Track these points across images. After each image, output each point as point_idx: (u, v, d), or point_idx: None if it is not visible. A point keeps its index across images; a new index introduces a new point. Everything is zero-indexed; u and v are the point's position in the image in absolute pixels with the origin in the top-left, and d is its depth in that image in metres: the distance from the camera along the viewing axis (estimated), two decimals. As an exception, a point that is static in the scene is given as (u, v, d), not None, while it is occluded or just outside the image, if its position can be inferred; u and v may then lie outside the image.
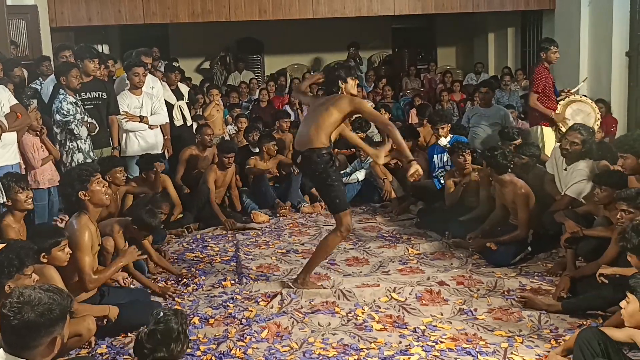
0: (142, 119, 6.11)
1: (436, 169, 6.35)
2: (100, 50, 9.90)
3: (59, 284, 3.32)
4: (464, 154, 5.56)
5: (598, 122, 5.97)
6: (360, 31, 12.04)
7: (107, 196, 3.90)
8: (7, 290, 2.90)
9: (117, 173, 5.28)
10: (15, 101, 4.81)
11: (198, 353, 3.54)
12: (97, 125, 5.54)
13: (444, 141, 6.22)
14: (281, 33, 11.82)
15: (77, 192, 3.75)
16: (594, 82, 8.47)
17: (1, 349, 2.17)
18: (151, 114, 6.20)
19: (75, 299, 3.59)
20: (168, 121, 6.59)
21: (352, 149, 7.43)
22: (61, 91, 5.33)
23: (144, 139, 6.15)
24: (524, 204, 4.83)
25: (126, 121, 6.04)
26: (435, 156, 6.42)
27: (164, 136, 6.45)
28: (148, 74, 6.38)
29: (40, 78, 6.28)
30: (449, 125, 6.52)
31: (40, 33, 7.97)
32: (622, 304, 2.91)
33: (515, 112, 8.14)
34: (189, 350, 3.53)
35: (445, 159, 6.28)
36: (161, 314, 2.72)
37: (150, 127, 6.18)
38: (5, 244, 3.12)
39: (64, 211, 5.35)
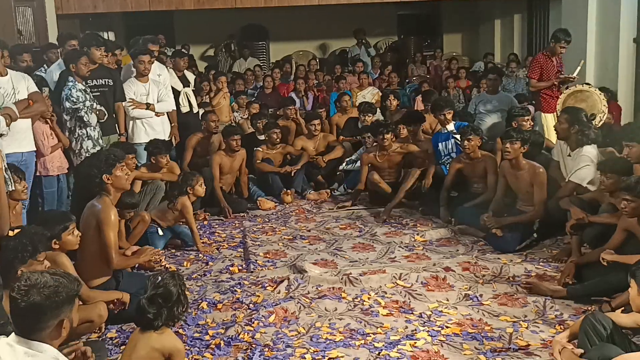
0: (148, 106, 6.13)
1: (442, 157, 6.33)
2: (106, 37, 9.90)
3: (71, 270, 3.37)
4: (470, 137, 5.53)
5: (602, 114, 5.88)
6: (365, 18, 11.99)
7: (127, 182, 3.99)
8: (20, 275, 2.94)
9: (128, 159, 5.32)
10: (34, 89, 4.82)
11: (207, 337, 3.59)
12: (106, 112, 5.58)
13: (451, 126, 6.20)
14: (286, 20, 11.80)
15: (102, 174, 3.80)
16: (600, 69, 8.43)
17: (13, 333, 2.22)
18: (158, 102, 6.23)
19: (90, 283, 3.66)
20: (175, 108, 6.61)
21: (357, 137, 7.44)
22: (70, 78, 5.34)
23: (151, 127, 6.17)
24: (543, 184, 4.85)
25: (133, 108, 6.07)
26: (440, 144, 6.37)
27: (170, 123, 6.48)
28: (155, 61, 6.40)
29: (45, 65, 6.29)
30: (452, 111, 6.48)
31: (46, 20, 7.99)
32: (630, 290, 2.93)
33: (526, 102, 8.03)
34: (197, 335, 3.60)
35: (450, 146, 6.25)
36: (159, 278, 2.77)
37: (157, 114, 6.21)
38: (19, 230, 3.16)
39: (72, 196, 5.42)
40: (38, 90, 4.90)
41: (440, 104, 6.38)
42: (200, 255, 5.04)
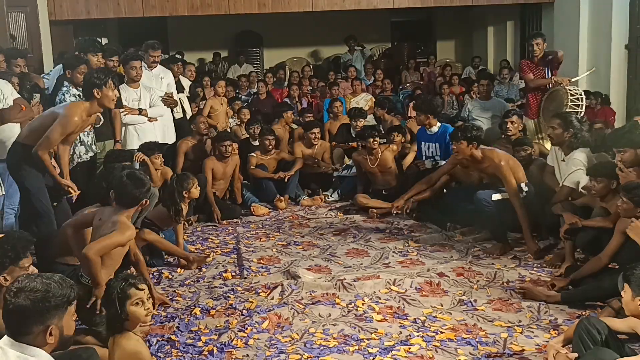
0: (141, 111, 6.11)
1: (423, 157, 6.27)
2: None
3: None
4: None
5: (566, 106, 5.82)
6: (359, 24, 12.03)
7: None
8: (2, 282, 2.90)
9: (154, 158, 5.65)
10: (17, 95, 4.85)
11: (199, 344, 3.56)
12: (101, 117, 5.57)
13: (435, 129, 6.14)
14: (280, 26, 11.82)
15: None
16: (593, 75, 8.48)
17: (5, 336, 2.21)
18: (150, 107, 6.21)
19: None
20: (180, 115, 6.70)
21: (351, 143, 7.44)
22: (65, 83, 5.35)
23: (143, 132, 6.14)
24: (506, 176, 4.82)
25: (125, 114, 6.05)
26: (423, 144, 6.31)
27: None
28: (159, 66, 6.43)
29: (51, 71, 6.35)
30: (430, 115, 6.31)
31: (39, 26, 7.97)
32: (623, 292, 2.93)
33: (514, 105, 8.12)
34: (190, 341, 3.56)
35: (432, 149, 6.20)
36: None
37: (150, 119, 6.19)
38: (2, 235, 3.11)
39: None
40: (21, 97, 4.92)
41: (420, 107, 6.32)
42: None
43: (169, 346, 3.54)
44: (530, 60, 6.56)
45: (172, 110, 6.83)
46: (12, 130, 4.72)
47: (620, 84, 8.31)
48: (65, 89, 5.31)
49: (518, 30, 11.67)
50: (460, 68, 12.56)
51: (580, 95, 5.93)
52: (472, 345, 3.43)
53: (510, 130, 6.17)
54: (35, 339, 2.16)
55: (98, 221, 3.61)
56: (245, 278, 4.58)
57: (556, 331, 3.54)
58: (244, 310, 3.97)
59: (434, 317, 3.81)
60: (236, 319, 3.86)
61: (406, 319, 3.81)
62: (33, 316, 2.15)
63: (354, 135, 7.49)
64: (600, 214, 4.31)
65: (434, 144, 6.14)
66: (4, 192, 4.21)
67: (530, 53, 6.62)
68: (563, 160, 4.99)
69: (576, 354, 2.92)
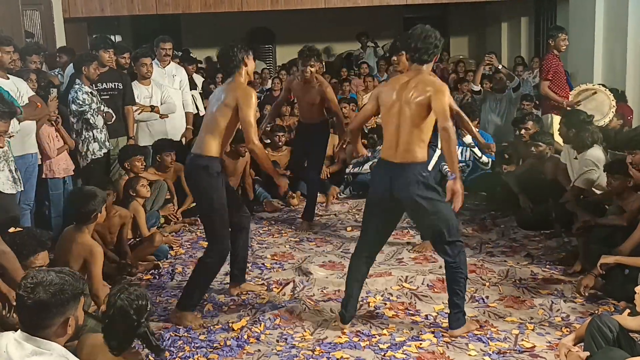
0: (153, 108, 6.15)
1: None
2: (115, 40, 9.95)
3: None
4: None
5: (613, 110, 5.88)
6: (371, 21, 11.99)
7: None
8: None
9: (136, 161, 5.44)
10: (32, 93, 4.90)
11: (212, 338, 3.59)
12: (114, 114, 5.62)
13: (468, 139, 5.88)
14: (293, 23, 11.81)
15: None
16: (608, 71, 8.40)
17: (19, 330, 2.24)
18: (161, 104, 6.24)
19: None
20: (194, 111, 6.66)
21: (364, 141, 7.43)
22: (77, 81, 5.39)
23: (155, 129, 6.18)
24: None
25: (139, 113, 6.09)
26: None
27: (186, 125, 6.49)
28: (172, 62, 6.46)
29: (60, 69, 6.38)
30: (477, 120, 6.32)
31: (54, 24, 8.04)
32: (637, 288, 2.91)
33: (531, 105, 7.92)
34: (202, 337, 3.59)
35: (468, 154, 6.14)
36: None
37: (162, 116, 6.22)
38: (20, 229, 3.17)
39: None
40: (36, 94, 4.97)
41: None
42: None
43: (181, 341, 3.57)
44: (557, 56, 6.44)
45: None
46: (29, 128, 4.77)
47: (637, 80, 8.19)
48: (77, 86, 5.36)
49: (532, 26, 11.57)
50: (473, 64, 12.47)
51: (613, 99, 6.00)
52: (483, 342, 3.43)
53: (525, 137, 6.07)
54: (55, 331, 2.21)
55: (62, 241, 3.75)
56: (258, 274, 4.60)
57: (568, 329, 3.53)
58: (256, 306, 3.99)
59: (445, 313, 3.80)
60: (248, 314, 3.88)
61: (417, 315, 3.81)
62: (55, 308, 2.19)
63: (366, 132, 7.48)
64: (615, 212, 4.28)
65: (468, 149, 5.93)
66: (22, 188, 4.26)
67: (557, 47, 6.47)
68: (575, 158, 4.96)
69: (588, 353, 2.90)
